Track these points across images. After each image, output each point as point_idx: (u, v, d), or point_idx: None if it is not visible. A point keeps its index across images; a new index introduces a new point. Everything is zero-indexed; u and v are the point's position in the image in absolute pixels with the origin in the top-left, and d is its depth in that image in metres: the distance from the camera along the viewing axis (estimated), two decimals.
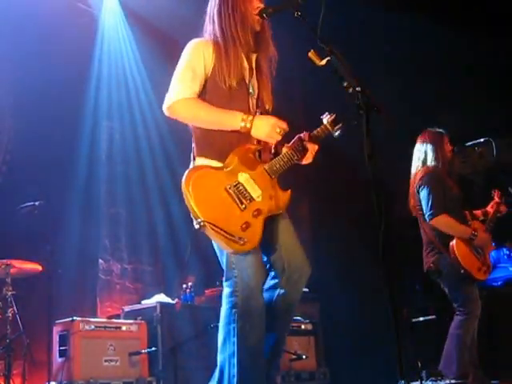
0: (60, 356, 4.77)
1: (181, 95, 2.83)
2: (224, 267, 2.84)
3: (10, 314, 4.64)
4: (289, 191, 2.93)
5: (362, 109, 2.43)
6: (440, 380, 4.41)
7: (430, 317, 6.00)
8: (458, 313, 4.41)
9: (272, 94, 3.07)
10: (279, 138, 2.85)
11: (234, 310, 2.76)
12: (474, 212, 4.82)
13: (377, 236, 2.32)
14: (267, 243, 2.87)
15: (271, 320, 2.86)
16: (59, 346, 4.80)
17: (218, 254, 2.88)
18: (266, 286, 2.92)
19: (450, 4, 6.53)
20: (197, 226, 2.66)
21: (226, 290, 2.81)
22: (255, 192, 2.79)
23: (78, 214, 6.01)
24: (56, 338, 4.84)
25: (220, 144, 2.84)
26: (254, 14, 2.90)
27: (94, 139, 6.42)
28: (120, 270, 6.55)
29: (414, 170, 4.70)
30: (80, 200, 6.07)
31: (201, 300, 6.00)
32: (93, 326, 4.86)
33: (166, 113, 2.88)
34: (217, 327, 2.91)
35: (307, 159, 3.00)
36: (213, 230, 2.65)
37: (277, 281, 2.90)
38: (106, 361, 4.83)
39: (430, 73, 6.94)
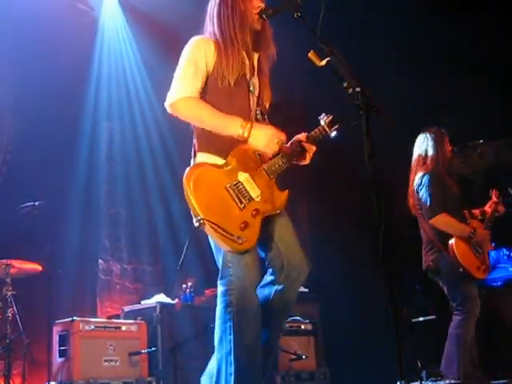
0: (60, 356, 4.77)
1: (182, 93, 2.83)
2: (220, 266, 2.84)
3: (10, 314, 4.64)
4: (286, 191, 2.93)
5: (362, 109, 2.43)
6: (440, 380, 4.41)
7: (429, 317, 6.01)
8: (456, 312, 4.42)
9: (271, 92, 3.07)
10: (277, 149, 2.85)
11: (229, 309, 2.76)
12: (473, 211, 4.83)
13: (377, 236, 2.32)
14: (266, 240, 2.88)
15: (267, 318, 2.86)
16: (59, 346, 4.80)
17: (215, 252, 2.89)
18: (264, 282, 2.92)
19: (450, 4, 6.53)
20: (196, 224, 2.66)
21: (221, 289, 2.81)
22: (254, 192, 2.80)
23: (78, 214, 6.01)
24: (56, 338, 4.84)
25: (221, 140, 2.83)
26: (253, 14, 2.90)
27: (93, 139, 6.43)
28: (120, 270, 6.55)
29: (413, 167, 4.70)
30: (80, 200, 6.08)
31: (200, 300, 6.00)
32: (93, 326, 4.86)
33: (168, 110, 2.88)
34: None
35: (305, 160, 3.01)
36: (212, 228, 2.65)
37: (274, 277, 2.90)
38: (105, 361, 4.83)
39: (430, 73, 6.94)
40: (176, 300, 5.61)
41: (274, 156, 2.93)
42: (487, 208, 4.88)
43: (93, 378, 4.64)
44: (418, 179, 4.57)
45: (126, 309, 5.52)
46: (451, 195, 4.56)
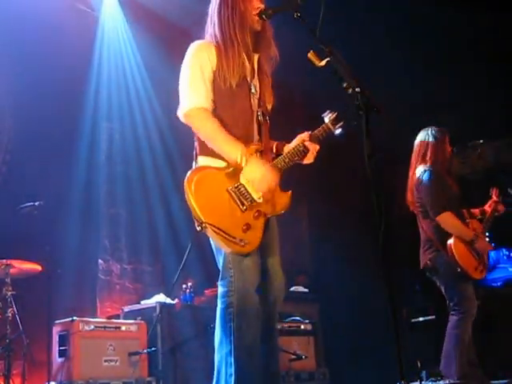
0: (60, 356, 4.78)
1: (194, 103, 2.83)
2: (220, 267, 2.84)
3: (10, 314, 4.64)
4: (289, 192, 2.93)
5: (362, 109, 2.43)
6: (439, 380, 4.41)
7: (429, 317, 6.01)
8: (453, 312, 4.41)
9: (273, 93, 3.07)
10: (264, 192, 2.78)
11: (229, 310, 2.76)
12: (472, 211, 4.82)
13: (377, 236, 2.32)
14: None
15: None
16: (59, 346, 4.80)
17: (215, 253, 2.89)
18: None
19: (449, 4, 6.53)
20: (198, 228, 2.67)
21: (221, 290, 2.82)
22: (256, 193, 2.79)
23: (78, 215, 6.01)
24: (56, 338, 4.84)
25: None
26: (253, 14, 2.90)
27: (93, 139, 6.42)
28: (120, 270, 6.55)
29: (413, 163, 4.69)
30: (80, 200, 6.07)
31: (200, 300, 6.00)
32: (92, 326, 4.86)
33: (182, 120, 2.88)
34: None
35: (308, 159, 2.99)
36: (214, 231, 2.66)
37: None
38: (105, 361, 4.83)
39: (430, 73, 6.94)
40: (176, 300, 5.61)
41: (277, 156, 2.93)
42: (487, 207, 4.87)
43: (92, 378, 4.64)
44: (418, 175, 4.55)
45: (126, 309, 5.52)
46: (451, 194, 4.56)
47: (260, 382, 2.78)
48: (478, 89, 6.78)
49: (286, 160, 2.90)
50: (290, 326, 6.04)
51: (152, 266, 6.83)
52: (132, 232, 6.72)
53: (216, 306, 2.85)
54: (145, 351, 5.02)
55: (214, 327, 2.85)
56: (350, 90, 2.46)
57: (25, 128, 5.68)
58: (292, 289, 6.61)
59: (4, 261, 4.72)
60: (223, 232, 2.66)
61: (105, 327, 4.98)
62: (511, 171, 6.29)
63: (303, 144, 2.96)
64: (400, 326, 2.33)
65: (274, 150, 3.04)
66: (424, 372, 4.99)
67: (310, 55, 2.62)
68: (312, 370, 6.12)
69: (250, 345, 2.75)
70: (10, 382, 4.50)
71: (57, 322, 4.90)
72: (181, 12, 6.25)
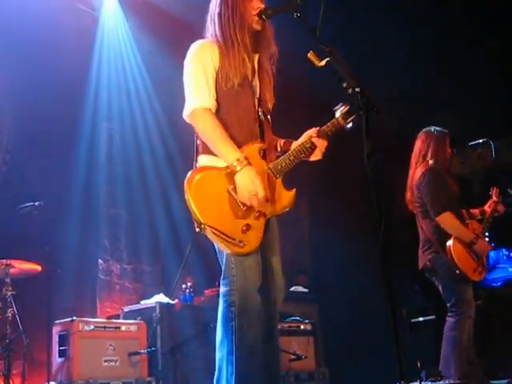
0: (59, 356, 4.77)
1: (200, 103, 2.81)
2: (223, 266, 2.84)
3: (10, 314, 4.64)
4: (293, 190, 2.91)
5: (362, 109, 2.43)
6: (439, 380, 4.40)
7: (429, 317, 6.01)
8: (450, 314, 4.40)
9: (274, 93, 3.06)
10: (244, 201, 2.72)
11: (231, 309, 2.76)
12: (472, 211, 4.81)
13: (377, 236, 2.32)
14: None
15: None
16: (59, 346, 4.80)
17: (218, 252, 2.88)
18: None
19: (449, 4, 6.53)
20: (197, 230, 2.66)
21: (223, 289, 2.82)
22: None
23: (78, 215, 6.01)
24: (55, 338, 4.84)
25: None
26: (253, 15, 2.90)
27: (93, 140, 6.42)
28: (120, 270, 6.55)
29: (413, 163, 4.68)
30: (80, 200, 6.07)
31: (200, 300, 6.00)
32: (92, 326, 4.86)
33: (187, 120, 2.86)
34: (216, 327, 2.91)
35: (316, 156, 2.97)
36: (213, 233, 2.65)
37: None
38: (105, 361, 4.82)
39: (430, 72, 6.94)
40: (176, 300, 5.61)
41: (283, 154, 2.92)
42: (487, 207, 4.87)
43: (92, 378, 4.64)
44: (420, 177, 4.54)
45: (126, 309, 5.52)
46: (451, 194, 4.55)
47: (261, 382, 2.78)
48: (477, 89, 6.78)
49: (291, 158, 2.89)
50: (289, 326, 6.04)
51: (152, 266, 6.83)
52: (132, 232, 6.72)
53: (216, 305, 2.85)
54: (145, 351, 5.01)
55: (213, 327, 2.85)
56: (350, 90, 2.46)
57: (25, 128, 5.68)
58: (292, 289, 6.61)
59: (4, 261, 4.72)
60: (222, 233, 2.66)
61: (105, 327, 4.98)
62: (511, 171, 6.28)
63: (310, 141, 2.93)
64: (400, 326, 2.33)
65: (279, 148, 3.03)
66: (423, 372, 4.98)
67: (310, 55, 2.62)
68: (312, 370, 6.11)
69: (251, 344, 2.75)
70: (10, 381, 4.50)
71: (57, 322, 4.90)
72: (183, 6, 6.22)
